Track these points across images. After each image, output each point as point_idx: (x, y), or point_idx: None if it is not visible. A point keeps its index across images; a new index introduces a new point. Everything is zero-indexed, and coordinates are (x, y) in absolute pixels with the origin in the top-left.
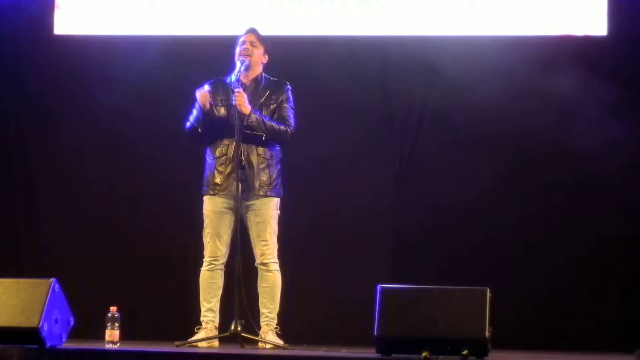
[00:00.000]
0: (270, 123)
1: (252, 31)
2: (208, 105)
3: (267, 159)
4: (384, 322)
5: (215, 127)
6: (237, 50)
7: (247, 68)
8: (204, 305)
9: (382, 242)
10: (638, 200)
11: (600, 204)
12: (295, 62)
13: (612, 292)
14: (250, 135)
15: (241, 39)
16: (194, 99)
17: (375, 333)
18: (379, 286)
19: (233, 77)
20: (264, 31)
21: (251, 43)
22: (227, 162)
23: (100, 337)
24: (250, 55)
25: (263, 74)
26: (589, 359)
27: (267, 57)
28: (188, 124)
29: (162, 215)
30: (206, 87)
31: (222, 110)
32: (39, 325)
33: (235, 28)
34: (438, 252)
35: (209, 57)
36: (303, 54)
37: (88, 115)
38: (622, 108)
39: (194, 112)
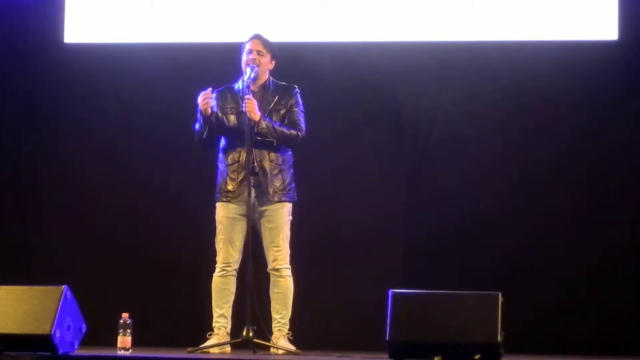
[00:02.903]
0: (281, 129)
1: (257, 37)
2: (209, 110)
3: (280, 165)
4: (396, 327)
5: (226, 135)
6: (244, 58)
7: (257, 74)
8: (216, 311)
9: (394, 247)
10: None
11: (611, 207)
12: (306, 68)
13: (624, 295)
14: (261, 142)
15: (247, 47)
16: (197, 110)
17: (387, 338)
18: (390, 291)
19: (240, 84)
20: (274, 38)
21: (258, 52)
22: (240, 169)
23: (113, 343)
24: (258, 66)
25: (271, 78)
26: None
27: (273, 63)
28: (196, 127)
29: (174, 222)
30: (209, 91)
31: (232, 118)
32: (51, 332)
33: (245, 35)
34: (449, 256)
35: (219, 63)
36: (313, 60)
37: (98, 121)
38: (634, 112)
39: (198, 118)
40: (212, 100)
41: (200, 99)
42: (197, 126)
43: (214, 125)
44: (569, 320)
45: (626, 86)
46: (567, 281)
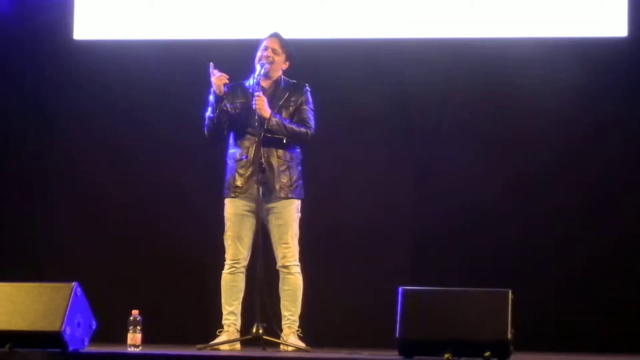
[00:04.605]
0: (290, 126)
1: (275, 36)
2: (222, 88)
3: (288, 161)
4: (406, 324)
5: (236, 130)
6: (258, 54)
7: (267, 72)
8: (225, 309)
9: (402, 244)
10: None
11: (619, 203)
12: (313, 65)
13: (634, 291)
14: (270, 138)
15: (263, 44)
16: (209, 92)
17: (397, 335)
18: (400, 288)
19: (252, 81)
20: (282, 34)
21: (273, 50)
22: (248, 165)
23: (123, 340)
24: (271, 63)
25: (282, 76)
26: None
27: (287, 63)
28: (207, 114)
29: (184, 219)
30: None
31: (242, 114)
32: (62, 329)
33: (253, 32)
34: (457, 253)
35: (227, 60)
36: (320, 57)
37: (107, 118)
38: None
39: (210, 102)
40: (225, 78)
41: (214, 78)
42: (208, 112)
43: (224, 113)
44: (579, 317)
45: (635, 82)
46: (577, 278)
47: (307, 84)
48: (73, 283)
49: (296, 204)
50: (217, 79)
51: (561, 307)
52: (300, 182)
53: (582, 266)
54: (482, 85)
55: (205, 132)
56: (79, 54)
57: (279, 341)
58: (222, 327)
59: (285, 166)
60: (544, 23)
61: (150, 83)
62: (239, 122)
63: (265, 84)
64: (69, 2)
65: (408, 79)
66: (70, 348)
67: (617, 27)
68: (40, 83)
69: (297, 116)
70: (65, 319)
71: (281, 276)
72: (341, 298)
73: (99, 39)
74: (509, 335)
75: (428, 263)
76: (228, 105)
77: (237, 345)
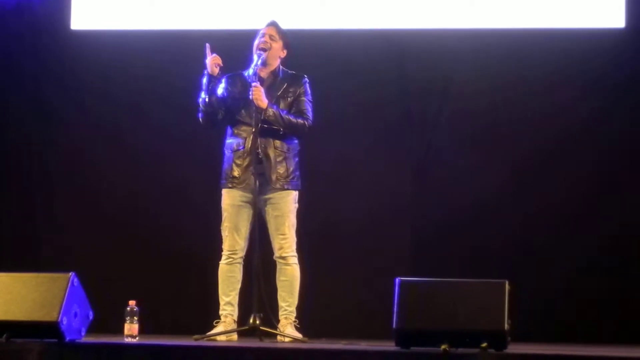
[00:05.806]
0: (287, 117)
1: (272, 24)
2: (216, 70)
3: (285, 152)
4: (403, 315)
5: (233, 121)
6: (256, 42)
7: (265, 61)
8: (222, 299)
9: (401, 236)
10: None
11: (619, 192)
12: (313, 56)
13: (632, 283)
14: (267, 129)
15: (261, 32)
16: (202, 74)
17: (394, 326)
18: (397, 279)
19: (250, 71)
20: (282, 25)
21: (270, 36)
22: (245, 155)
23: (119, 331)
24: (268, 49)
25: (281, 67)
26: (609, 351)
27: (285, 51)
28: (199, 98)
29: (181, 209)
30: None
31: (240, 104)
32: (59, 319)
33: (251, 22)
34: (455, 245)
35: (226, 51)
36: (320, 48)
37: (105, 108)
38: None
39: (202, 84)
40: (219, 60)
41: (208, 58)
42: (201, 95)
43: (217, 97)
44: (577, 308)
45: (633, 73)
46: (575, 269)
47: (305, 75)
48: (70, 273)
49: (293, 195)
50: (211, 59)
51: (559, 298)
52: (297, 173)
53: (580, 258)
54: (480, 77)
55: (200, 117)
56: (77, 44)
57: (275, 332)
58: (219, 317)
59: (282, 157)
60: (543, 14)
61: (148, 73)
62: (237, 112)
63: (263, 74)
64: None
65: (407, 71)
66: (67, 338)
67: (615, 18)
68: (39, 74)
69: (295, 107)
70: (62, 309)
71: (278, 267)
72: (338, 289)
73: (96, 29)
74: (506, 326)
75: (427, 255)
76: (226, 94)
77: (234, 336)
